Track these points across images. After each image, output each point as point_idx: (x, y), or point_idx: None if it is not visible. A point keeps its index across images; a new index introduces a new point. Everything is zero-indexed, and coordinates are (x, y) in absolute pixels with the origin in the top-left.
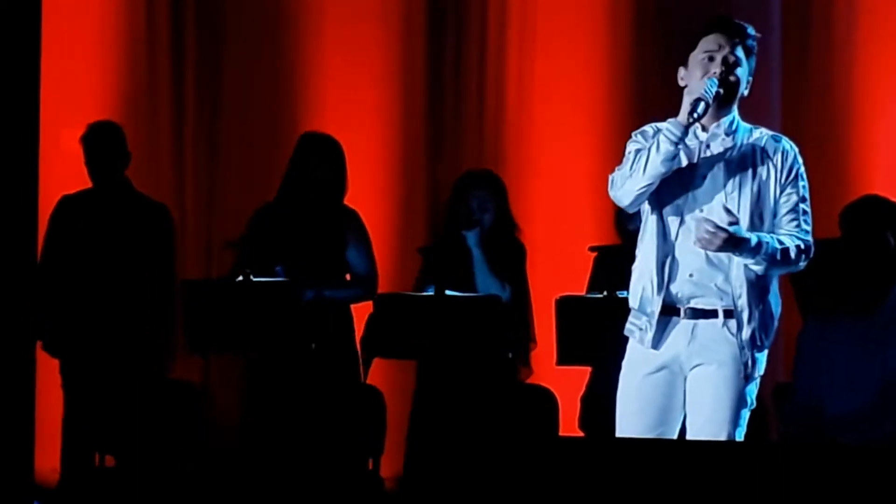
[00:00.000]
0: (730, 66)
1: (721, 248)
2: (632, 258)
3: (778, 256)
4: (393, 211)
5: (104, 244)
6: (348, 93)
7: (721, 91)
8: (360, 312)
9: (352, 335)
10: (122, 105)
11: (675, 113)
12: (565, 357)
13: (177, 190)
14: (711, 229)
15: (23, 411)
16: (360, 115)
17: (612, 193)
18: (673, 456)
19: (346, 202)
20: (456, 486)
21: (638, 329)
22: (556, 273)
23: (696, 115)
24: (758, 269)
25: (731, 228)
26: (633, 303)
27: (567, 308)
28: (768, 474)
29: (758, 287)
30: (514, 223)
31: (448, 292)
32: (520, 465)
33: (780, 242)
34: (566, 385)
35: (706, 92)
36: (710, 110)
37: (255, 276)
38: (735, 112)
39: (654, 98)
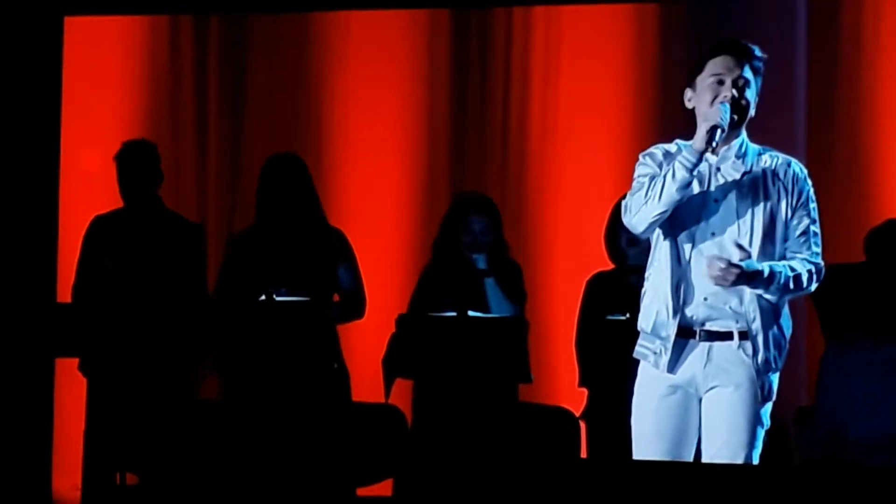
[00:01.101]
0: (740, 89)
1: (735, 283)
2: (624, 282)
3: (791, 285)
4: (416, 231)
5: (138, 263)
6: (372, 113)
7: (735, 117)
8: (381, 331)
9: (340, 352)
10: (145, 124)
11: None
12: (587, 379)
13: (199, 208)
14: (724, 266)
15: (41, 427)
16: (383, 136)
17: (626, 220)
18: (698, 479)
19: (370, 221)
20: None
21: (652, 353)
22: (578, 295)
23: (714, 144)
24: (772, 298)
25: (743, 264)
26: (646, 326)
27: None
28: (790, 498)
29: (771, 310)
30: (507, 244)
31: (470, 313)
32: (542, 487)
33: (792, 269)
34: (580, 406)
35: (722, 119)
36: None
37: (277, 296)
38: (744, 134)
39: (677, 121)
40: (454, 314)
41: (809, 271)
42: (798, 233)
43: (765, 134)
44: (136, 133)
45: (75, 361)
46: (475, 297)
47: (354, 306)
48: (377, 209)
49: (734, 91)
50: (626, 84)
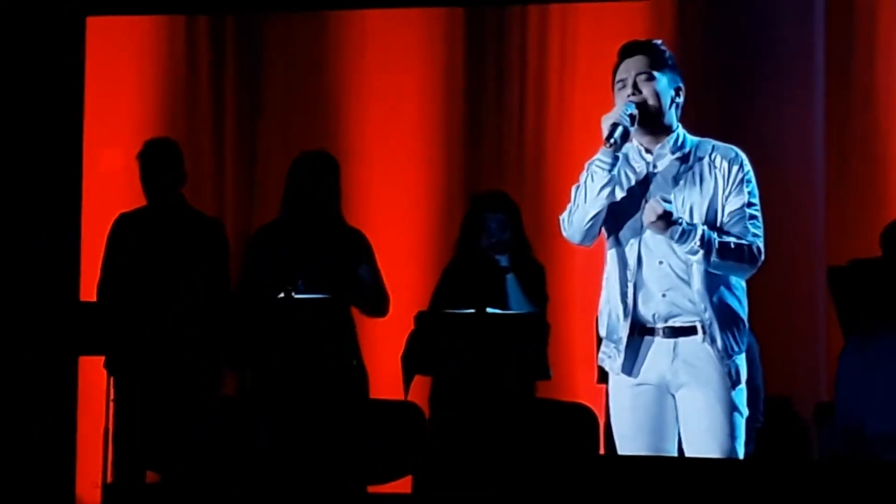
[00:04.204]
0: (641, 85)
1: (656, 224)
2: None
3: (715, 245)
4: (434, 230)
5: (162, 260)
6: (389, 111)
7: (636, 113)
8: (401, 329)
9: (358, 350)
10: (163, 123)
11: (714, 133)
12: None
13: (217, 206)
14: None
15: (64, 425)
16: (400, 135)
17: (565, 234)
18: (715, 475)
19: (387, 219)
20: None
21: (607, 357)
22: (596, 292)
23: (613, 140)
24: (696, 258)
25: (666, 206)
26: (602, 331)
27: None
28: (806, 493)
29: (717, 296)
30: (530, 244)
31: (489, 310)
32: (562, 483)
33: (721, 235)
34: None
35: (621, 116)
36: (647, 130)
37: (295, 293)
38: (679, 128)
39: (694, 117)
40: (472, 311)
41: (740, 244)
42: (731, 212)
43: (783, 132)
44: (155, 132)
45: (94, 360)
46: (496, 294)
47: (377, 299)
48: (394, 208)
49: (633, 88)
50: None
